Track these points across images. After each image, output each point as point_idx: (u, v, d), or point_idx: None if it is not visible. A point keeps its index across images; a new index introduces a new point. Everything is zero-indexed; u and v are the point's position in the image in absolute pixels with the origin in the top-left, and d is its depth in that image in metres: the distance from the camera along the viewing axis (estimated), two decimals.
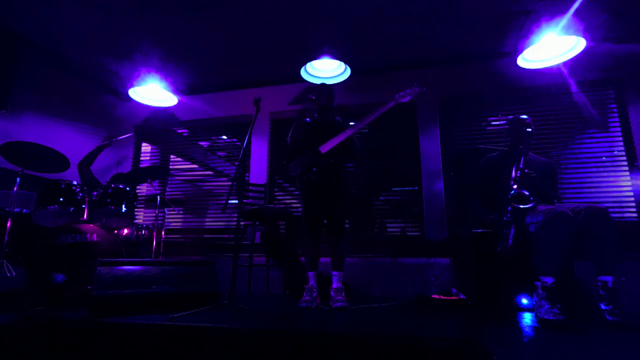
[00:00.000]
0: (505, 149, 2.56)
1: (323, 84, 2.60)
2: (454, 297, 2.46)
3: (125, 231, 3.16)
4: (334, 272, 2.36)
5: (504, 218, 2.13)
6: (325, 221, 2.48)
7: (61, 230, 2.48)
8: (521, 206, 2.05)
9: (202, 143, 4.60)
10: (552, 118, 3.57)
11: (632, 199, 3.23)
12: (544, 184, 2.28)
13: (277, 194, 4.23)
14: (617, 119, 3.44)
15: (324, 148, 2.36)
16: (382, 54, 3.79)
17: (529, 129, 2.29)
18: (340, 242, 2.39)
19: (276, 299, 2.81)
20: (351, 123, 2.44)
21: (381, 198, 3.98)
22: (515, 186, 2.11)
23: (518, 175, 2.14)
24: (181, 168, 4.56)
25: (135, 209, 4.43)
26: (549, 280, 1.86)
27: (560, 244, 1.90)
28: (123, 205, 2.90)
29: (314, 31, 3.32)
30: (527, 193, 2.05)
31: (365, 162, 4.01)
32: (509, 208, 2.09)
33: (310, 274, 2.41)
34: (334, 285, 2.33)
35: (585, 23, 2.74)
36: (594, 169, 3.39)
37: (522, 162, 2.16)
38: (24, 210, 2.78)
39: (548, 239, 1.93)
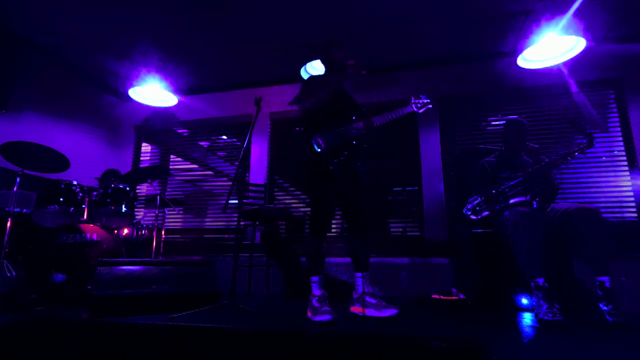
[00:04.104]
0: (500, 150, 2.57)
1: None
2: (454, 297, 2.47)
3: (125, 231, 3.16)
4: (361, 274, 2.05)
5: (497, 207, 2.25)
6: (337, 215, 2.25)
7: (61, 230, 2.49)
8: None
9: (202, 143, 4.60)
10: (552, 118, 3.57)
11: (632, 199, 3.23)
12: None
13: (277, 194, 4.22)
14: (617, 119, 3.44)
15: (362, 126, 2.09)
16: (382, 54, 3.78)
17: (523, 131, 2.38)
18: (367, 238, 2.11)
19: (276, 299, 2.80)
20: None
21: (381, 198, 3.98)
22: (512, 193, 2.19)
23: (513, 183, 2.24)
24: (181, 168, 4.55)
25: (135, 209, 4.43)
26: (540, 280, 1.87)
27: (532, 244, 1.93)
28: (123, 205, 2.90)
29: (314, 31, 3.31)
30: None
31: (365, 162, 4.00)
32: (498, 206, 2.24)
33: (318, 278, 2.00)
34: (367, 289, 2.01)
35: (585, 23, 2.74)
36: (594, 169, 3.39)
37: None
38: (24, 210, 2.78)
39: (519, 241, 1.96)
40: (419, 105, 2.32)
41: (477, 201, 2.32)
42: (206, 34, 3.41)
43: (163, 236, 3.50)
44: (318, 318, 1.78)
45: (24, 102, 3.48)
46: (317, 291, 1.96)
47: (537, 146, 2.66)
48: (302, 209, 4.07)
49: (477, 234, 2.38)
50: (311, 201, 2.14)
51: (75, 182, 2.81)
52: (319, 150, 2.00)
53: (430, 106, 2.32)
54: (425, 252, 3.44)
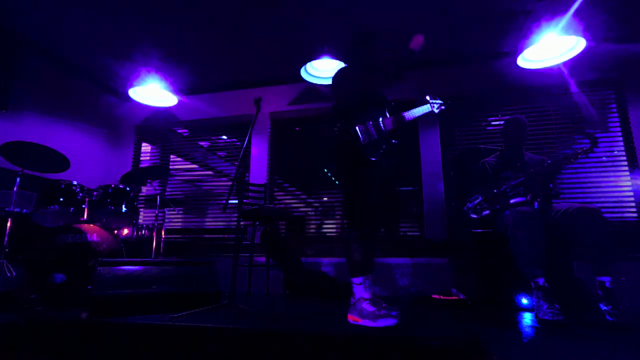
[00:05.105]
0: (500, 150, 2.57)
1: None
2: (454, 297, 2.47)
3: (125, 231, 3.16)
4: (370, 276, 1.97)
5: (497, 206, 2.24)
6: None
7: (61, 230, 2.48)
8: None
9: (202, 143, 4.60)
10: (552, 118, 3.57)
11: (632, 199, 3.23)
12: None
13: (277, 194, 4.22)
14: (617, 119, 3.44)
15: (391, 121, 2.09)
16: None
17: (523, 129, 2.37)
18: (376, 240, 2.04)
19: (276, 299, 2.80)
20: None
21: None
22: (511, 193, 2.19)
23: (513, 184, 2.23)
24: (181, 168, 4.55)
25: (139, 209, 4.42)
26: (540, 280, 1.87)
27: (532, 244, 1.93)
28: (123, 206, 2.90)
29: (314, 31, 3.31)
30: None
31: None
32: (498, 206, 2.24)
33: (363, 279, 1.84)
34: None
35: (585, 23, 2.74)
36: (594, 169, 3.39)
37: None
38: (24, 210, 2.78)
39: (519, 241, 1.96)
40: (436, 105, 2.33)
41: (477, 200, 2.32)
42: (206, 34, 3.41)
43: (163, 236, 3.50)
44: (382, 323, 1.70)
45: (24, 102, 3.48)
46: (366, 294, 1.81)
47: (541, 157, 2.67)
48: (302, 209, 4.08)
49: (477, 234, 2.39)
50: (353, 188, 1.99)
51: (75, 182, 2.81)
52: (362, 142, 1.96)
53: (444, 107, 2.33)
54: (425, 252, 3.43)
